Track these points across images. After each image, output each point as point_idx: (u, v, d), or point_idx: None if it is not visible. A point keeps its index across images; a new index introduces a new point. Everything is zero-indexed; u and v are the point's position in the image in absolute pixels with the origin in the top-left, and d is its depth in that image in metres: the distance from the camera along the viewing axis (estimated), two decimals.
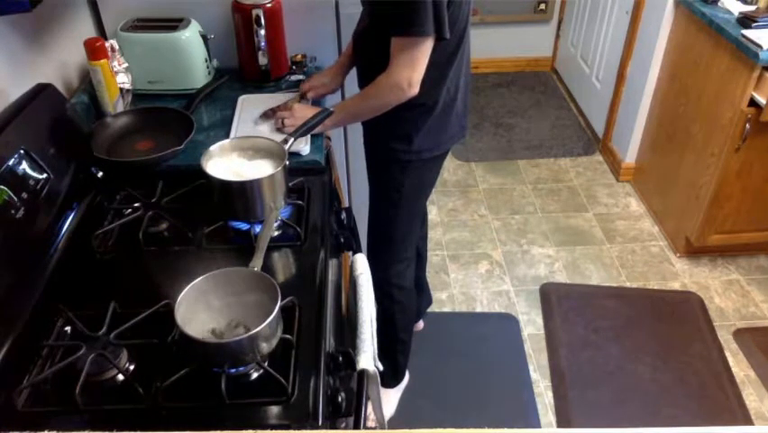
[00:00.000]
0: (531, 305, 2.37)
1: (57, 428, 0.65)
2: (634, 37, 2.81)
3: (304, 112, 1.48)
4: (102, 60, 1.49)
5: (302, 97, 1.62)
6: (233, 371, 0.92)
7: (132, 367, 0.96)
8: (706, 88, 2.33)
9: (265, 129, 1.53)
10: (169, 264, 1.17)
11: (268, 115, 1.56)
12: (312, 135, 1.48)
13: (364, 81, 1.52)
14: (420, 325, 2.23)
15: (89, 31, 1.73)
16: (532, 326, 2.29)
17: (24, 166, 1.10)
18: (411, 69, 1.32)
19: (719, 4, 2.29)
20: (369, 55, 1.50)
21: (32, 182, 1.10)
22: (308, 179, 1.36)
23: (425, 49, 1.31)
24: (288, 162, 1.23)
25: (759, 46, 1.99)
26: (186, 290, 0.94)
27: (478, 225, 2.77)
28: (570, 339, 2.20)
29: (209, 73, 1.74)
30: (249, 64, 1.73)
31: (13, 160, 1.08)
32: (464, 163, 3.17)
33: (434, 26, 1.28)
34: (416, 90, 1.35)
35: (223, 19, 1.74)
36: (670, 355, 2.14)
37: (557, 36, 3.91)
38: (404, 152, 1.54)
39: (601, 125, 3.23)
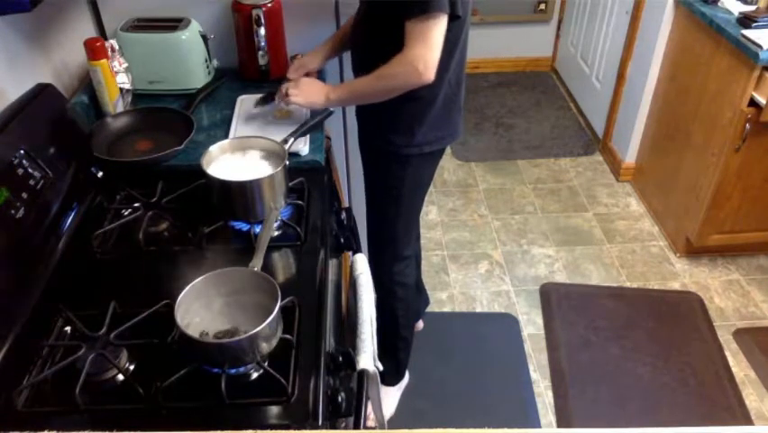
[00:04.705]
0: (531, 305, 2.37)
1: (57, 428, 0.65)
2: (634, 37, 2.81)
3: (310, 87, 1.47)
4: (102, 60, 1.50)
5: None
6: (233, 371, 0.92)
7: (132, 367, 0.96)
8: (706, 88, 2.33)
9: (262, 125, 1.53)
10: (169, 264, 1.17)
11: (266, 99, 1.56)
12: (312, 135, 1.47)
13: (360, 71, 1.52)
14: (420, 325, 2.23)
15: (89, 31, 1.73)
16: (532, 326, 2.29)
17: (24, 166, 1.10)
18: (426, 47, 1.29)
19: (719, 4, 2.29)
20: (365, 45, 1.49)
21: (31, 182, 1.10)
22: (308, 179, 1.36)
23: (440, 27, 1.29)
24: (287, 162, 1.23)
25: (759, 46, 1.99)
26: (186, 290, 0.94)
27: (478, 225, 2.77)
28: (570, 339, 2.20)
29: (209, 73, 1.74)
30: (249, 64, 1.73)
31: (13, 160, 1.08)
32: (464, 163, 3.17)
33: (448, 4, 1.27)
34: (431, 75, 1.32)
35: (223, 19, 1.74)
36: (670, 355, 2.14)
37: (557, 36, 3.91)
38: (405, 145, 1.53)
39: (601, 125, 3.23)
